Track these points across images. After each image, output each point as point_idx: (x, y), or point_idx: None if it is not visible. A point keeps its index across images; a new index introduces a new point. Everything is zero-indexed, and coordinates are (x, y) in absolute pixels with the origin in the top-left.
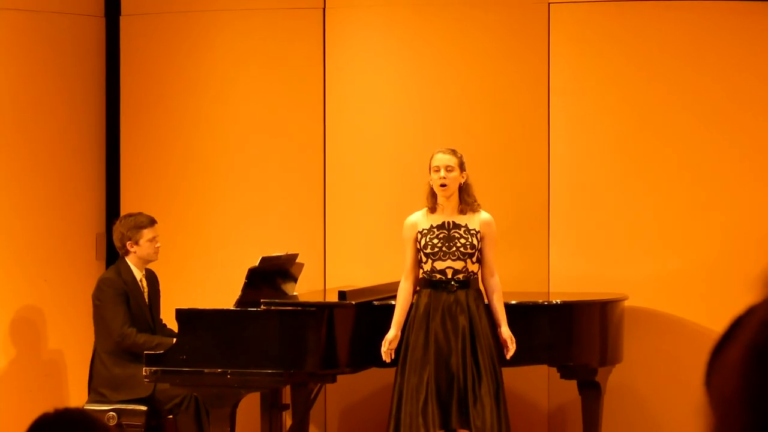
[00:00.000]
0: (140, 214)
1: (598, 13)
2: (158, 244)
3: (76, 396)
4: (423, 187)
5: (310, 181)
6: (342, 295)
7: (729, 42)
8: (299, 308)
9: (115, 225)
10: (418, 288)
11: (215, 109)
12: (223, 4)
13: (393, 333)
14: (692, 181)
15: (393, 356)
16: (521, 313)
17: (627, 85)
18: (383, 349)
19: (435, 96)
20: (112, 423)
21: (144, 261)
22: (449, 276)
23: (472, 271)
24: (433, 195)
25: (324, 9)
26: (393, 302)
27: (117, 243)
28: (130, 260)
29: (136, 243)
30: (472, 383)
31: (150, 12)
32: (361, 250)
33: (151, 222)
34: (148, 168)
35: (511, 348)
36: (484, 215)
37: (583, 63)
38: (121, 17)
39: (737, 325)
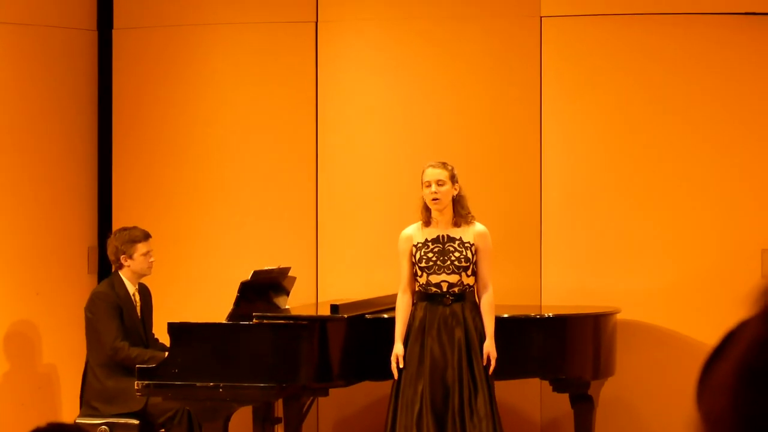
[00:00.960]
0: (135, 228)
1: (589, 26)
2: (152, 259)
3: (69, 409)
4: (415, 200)
5: (303, 195)
6: (334, 308)
7: (720, 55)
8: (291, 322)
9: (109, 238)
10: (414, 301)
11: (207, 123)
12: (215, 18)
13: (399, 348)
14: (684, 194)
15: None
16: (514, 327)
17: (619, 98)
18: (393, 365)
19: (427, 109)
20: None
21: (138, 275)
22: (444, 289)
23: (468, 284)
24: (426, 209)
25: (316, 23)
26: (386, 315)
27: (111, 256)
28: (123, 274)
29: (130, 257)
30: (468, 396)
31: (142, 26)
32: (354, 263)
33: (146, 236)
34: (141, 182)
35: (491, 364)
36: (478, 227)
37: (575, 76)
38: (113, 31)
39: (728, 340)
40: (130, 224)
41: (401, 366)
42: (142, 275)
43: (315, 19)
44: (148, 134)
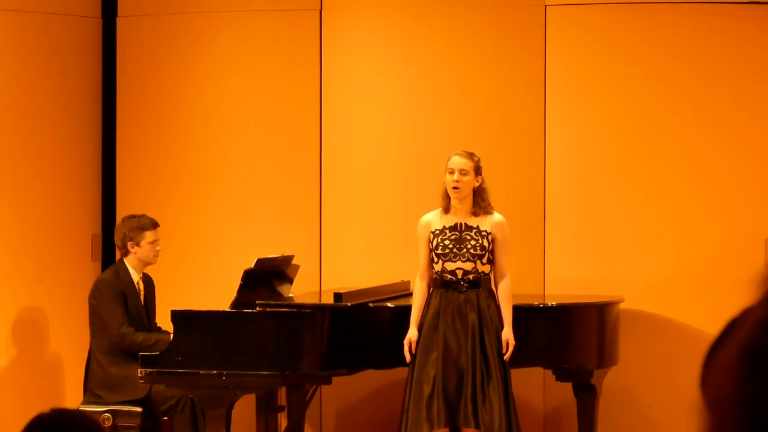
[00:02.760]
0: (143, 216)
1: (594, 14)
2: (158, 248)
3: (72, 397)
4: (419, 188)
5: (307, 183)
6: (338, 296)
7: (725, 44)
8: (295, 310)
9: (117, 225)
10: (431, 289)
11: (212, 111)
12: (219, 6)
13: (413, 332)
14: (688, 184)
15: (414, 351)
16: (517, 316)
17: (623, 87)
18: (405, 348)
19: (431, 98)
20: (108, 424)
21: (143, 263)
22: (459, 276)
23: (483, 272)
24: (447, 196)
25: (321, 11)
26: (389, 304)
27: (118, 243)
28: (128, 262)
29: (137, 244)
30: (482, 381)
31: (147, 13)
32: (357, 251)
33: (154, 225)
34: (145, 170)
35: (508, 351)
36: (497, 217)
37: (579, 65)
38: (117, 18)
39: (732, 326)
40: (133, 212)
41: (413, 351)
42: (148, 263)
43: (319, 7)
44: (152, 122)
